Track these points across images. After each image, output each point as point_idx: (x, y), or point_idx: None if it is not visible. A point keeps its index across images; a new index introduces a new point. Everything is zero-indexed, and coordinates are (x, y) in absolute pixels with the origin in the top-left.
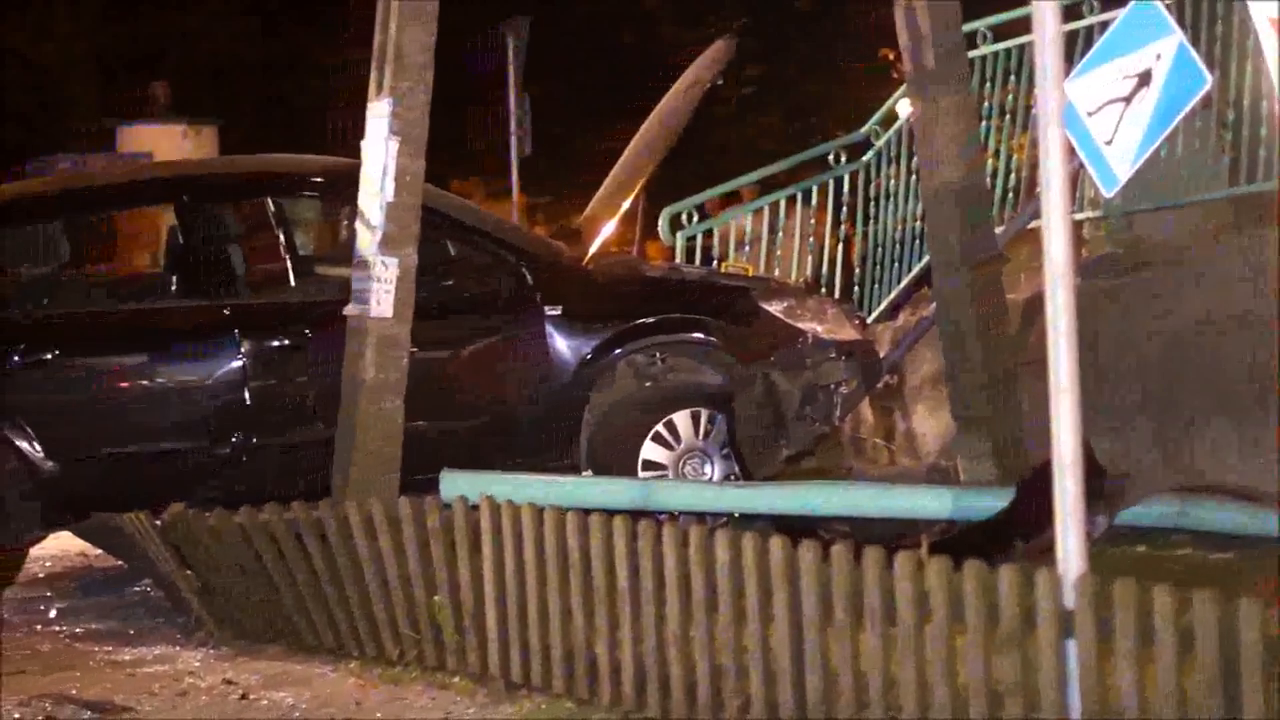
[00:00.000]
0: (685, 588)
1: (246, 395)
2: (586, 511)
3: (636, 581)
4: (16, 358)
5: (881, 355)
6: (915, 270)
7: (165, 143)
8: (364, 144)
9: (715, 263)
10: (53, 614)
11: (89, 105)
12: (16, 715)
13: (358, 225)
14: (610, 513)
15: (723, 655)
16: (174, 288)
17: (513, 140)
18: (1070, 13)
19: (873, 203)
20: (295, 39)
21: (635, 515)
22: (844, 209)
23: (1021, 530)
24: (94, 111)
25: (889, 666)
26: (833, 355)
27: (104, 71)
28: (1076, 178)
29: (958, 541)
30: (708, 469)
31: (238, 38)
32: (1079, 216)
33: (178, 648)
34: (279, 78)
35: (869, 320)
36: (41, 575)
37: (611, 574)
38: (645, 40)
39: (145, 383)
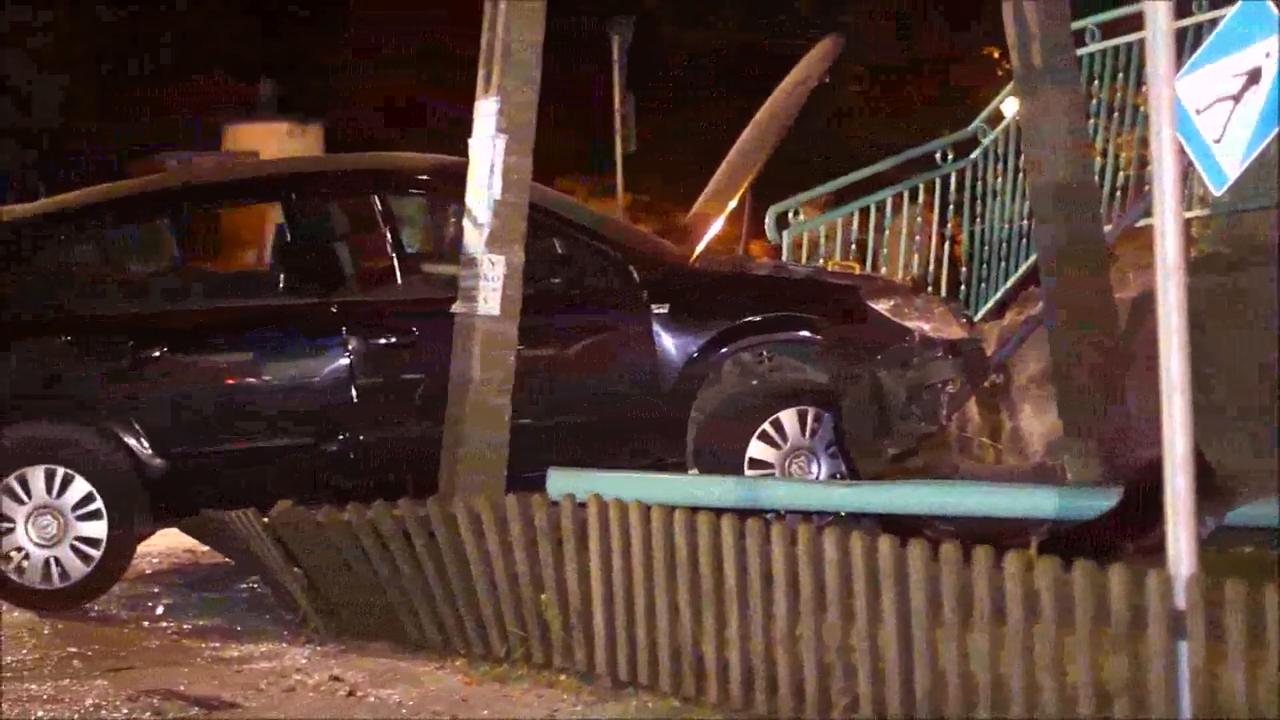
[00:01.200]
0: (793, 586)
1: (354, 392)
2: (693, 510)
3: (744, 580)
4: (126, 355)
5: (988, 354)
6: (1022, 269)
7: (271, 141)
8: (471, 142)
9: (821, 261)
10: (160, 610)
11: (197, 103)
12: (125, 710)
13: (465, 223)
14: (717, 511)
15: (830, 654)
16: (281, 285)
17: (617, 138)
18: (1180, 10)
19: (979, 201)
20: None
21: (742, 514)
22: (950, 207)
23: (1130, 530)
24: (202, 109)
25: (997, 666)
26: (939, 354)
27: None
28: (1185, 175)
29: (1066, 541)
30: (814, 467)
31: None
32: (1187, 215)
33: (284, 644)
34: (385, 76)
35: (976, 319)
36: (149, 571)
37: (719, 572)
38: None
39: (253, 380)
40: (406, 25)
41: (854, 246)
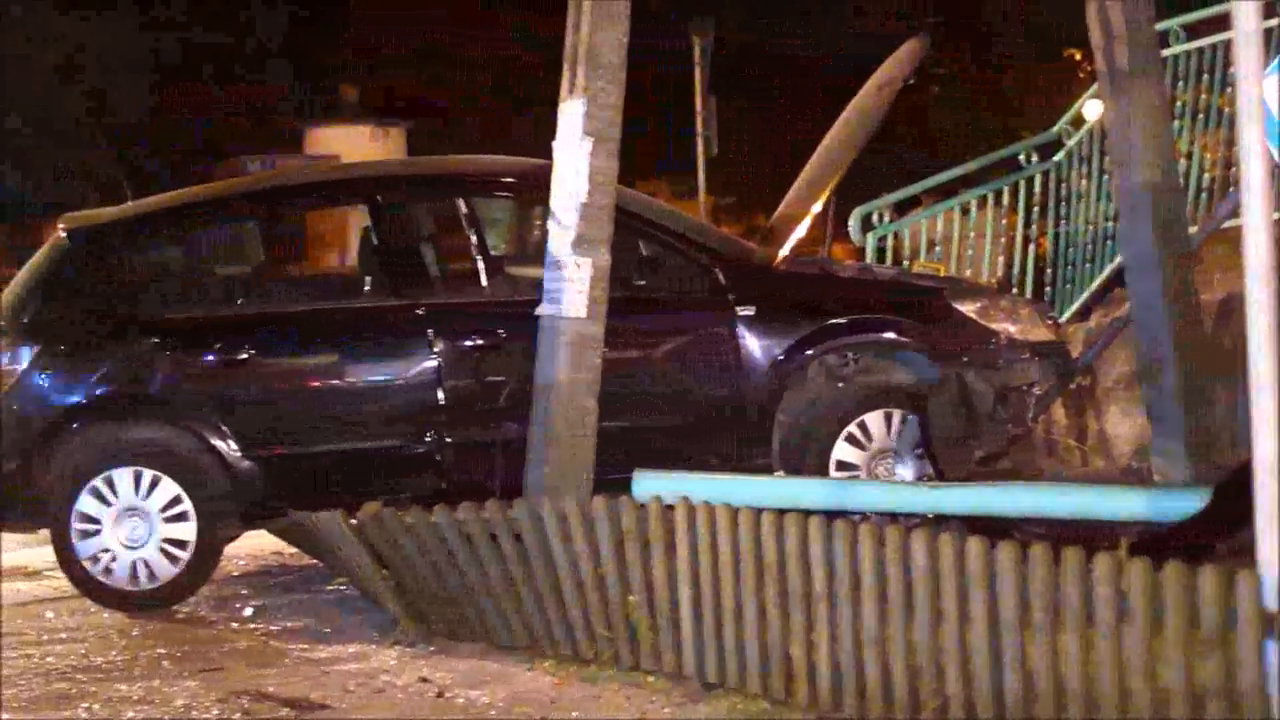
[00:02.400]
0: (881, 588)
1: (440, 394)
2: (781, 512)
3: (832, 582)
4: (213, 357)
5: (1074, 356)
6: (1107, 271)
7: (353, 144)
8: (556, 144)
9: (906, 263)
10: (248, 611)
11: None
12: (215, 711)
13: (550, 225)
14: (804, 513)
15: (919, 656)
16: (368, 287)
17: (699, 141)
18: (1267, 10)
19: (1064, 203)
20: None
21: (828, 515)
22: (1035, 209)
23: (1219, 531)
24: (285, 113)
25: (1087, 667)
26: (1025, 356)
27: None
28: (1273, 175)
29: (1156, 543)
30: (900, 470)
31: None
32: (1276, 215)
33: (373, 646)
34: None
35: (1061, 321)
36: (236, 573)
37: (807, 574)
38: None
39: (339, 382)
40: (485, 29)
41: (938, 248)
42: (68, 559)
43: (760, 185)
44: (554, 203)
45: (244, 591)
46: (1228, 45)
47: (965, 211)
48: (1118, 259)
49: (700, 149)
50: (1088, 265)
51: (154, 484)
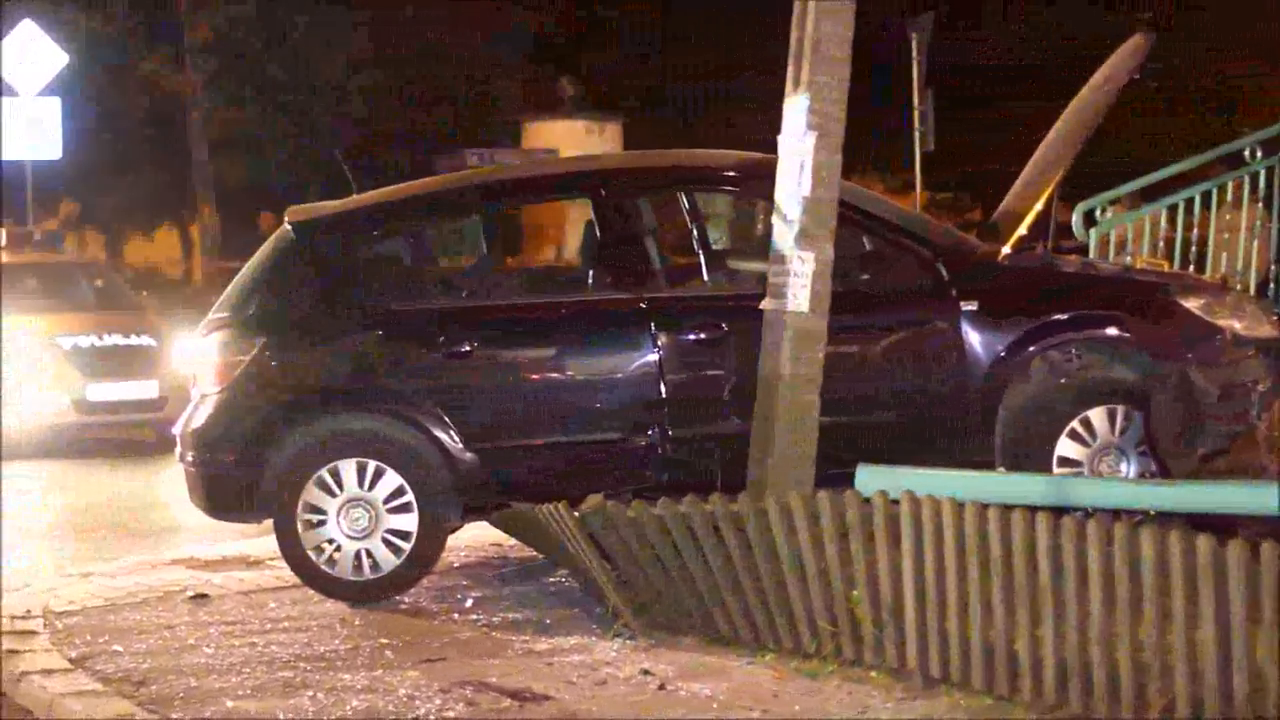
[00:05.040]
0: (1109, 585)
1: (662, 388)
2: (1006, 507)
3: (1059, 577)
4: (437, 350)
5: None
6: None
7: (570, 138)
8: (780, 139)
9: (1129, 258)
10: (469, 602)
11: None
12: (438, 701)
13: (774, 220)
14: (1028, 509)
15: (1146, 653)
16: (591, 280)
17: (915, 135)
18: None
19: None
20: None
21: (1052, 511)
22: (1259, 205)
23: None
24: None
25: None
26: (1251, 352)
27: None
28: None
29: None
30: (1123, 466)
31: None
32: None
33: (593, 638)
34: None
35: None
36: (457, 564)
37: (1033, 570)
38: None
39: (561, 375)
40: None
41: (1162, 244)
42: (292, 549)
43: (978, 180)
44: (778, 197)
45: (464, 582)
46: None
47: (1189, 207)
48: None
49: (917, 144)
50: None
51: (378, 475)
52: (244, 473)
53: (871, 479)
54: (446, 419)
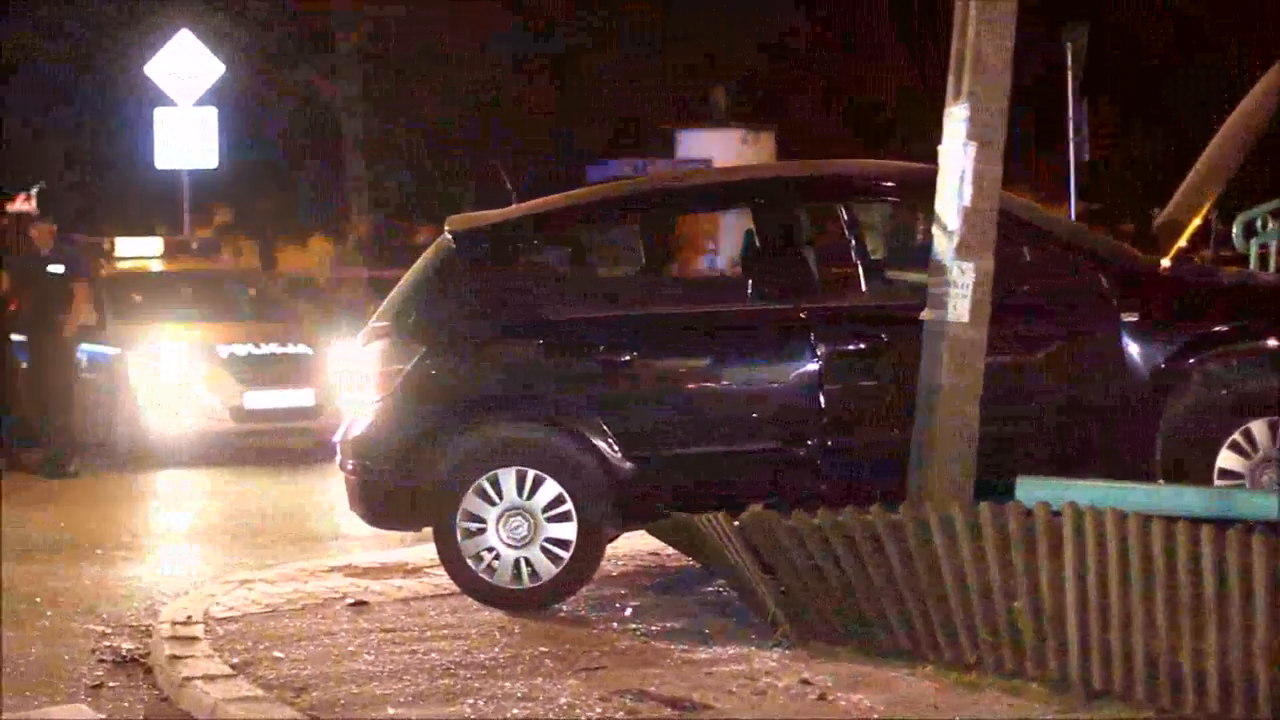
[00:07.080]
0: (1273, 597)
1: (821, 398)
2: (1170, 519)
3: (1223, 590)
4: (597, 359)
5: None
6: None
7: (723, 148)
8: (941, 148)
9: None
10: (628, 612)
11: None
12: (598, 709)
13: (934, 230)
14: (1191, 520)
15: None
16: (750, 290)
17: (1070, 146)
18: None
19: None
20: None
21: (1214, 524)
22: None
23: None
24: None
25: None
26: None
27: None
28: None
29: None
30: None
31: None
32: None
33: (752, 648)
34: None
35: None
36: (615, 573)
37: (1197, 582)
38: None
39: (721, 384)
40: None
41: None
42: (452, 557)
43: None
44: (938, 207)
45: (623, 592)
46: None
47: None
48: None
49: (1071, 154)
50: None
51: (537, 484)
52: (404, 481)
53: (1032, 490)
54: (606, 428)
